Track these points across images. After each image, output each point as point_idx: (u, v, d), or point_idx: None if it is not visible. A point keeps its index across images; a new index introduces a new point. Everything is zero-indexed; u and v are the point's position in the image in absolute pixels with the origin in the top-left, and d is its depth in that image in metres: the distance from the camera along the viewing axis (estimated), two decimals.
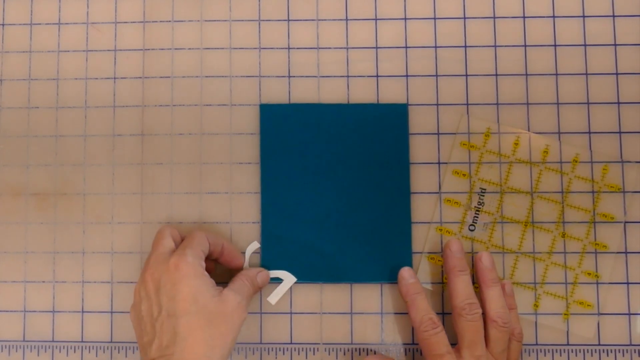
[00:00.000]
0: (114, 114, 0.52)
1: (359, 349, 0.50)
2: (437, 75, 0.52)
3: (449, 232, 0.50)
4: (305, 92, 0.52)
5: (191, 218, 0.51)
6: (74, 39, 0.53)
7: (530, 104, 0.51)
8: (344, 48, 0.52)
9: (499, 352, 0.45)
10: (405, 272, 0.48)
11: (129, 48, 0.53)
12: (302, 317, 0.50)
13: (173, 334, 0.42)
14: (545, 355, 0.49)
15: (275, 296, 0.50)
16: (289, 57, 0.52)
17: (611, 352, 0.49)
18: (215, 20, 0.53)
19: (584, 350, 0.49)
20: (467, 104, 0.51)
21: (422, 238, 0.50)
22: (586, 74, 0.51)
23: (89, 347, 0.50)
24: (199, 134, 0.52)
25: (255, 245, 0.50)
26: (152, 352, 0.42)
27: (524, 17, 0.52)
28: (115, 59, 0.53)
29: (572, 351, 0.49)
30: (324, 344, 0.50)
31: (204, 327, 0.42)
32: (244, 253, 0.50)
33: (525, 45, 0.52)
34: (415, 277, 0.48)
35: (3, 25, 0.53)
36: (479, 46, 0.52)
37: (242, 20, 0.53)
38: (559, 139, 0.51)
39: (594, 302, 0.49)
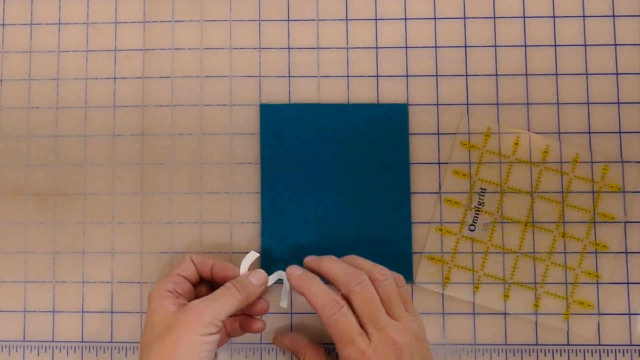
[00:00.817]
0: (114, 114, 0.52)
1: None
2: (437, 75, 0.52)
3: (449, 232, 0.50)
4: (305, 92, 0.52)
5: (191, 218, 0.51)
6: (74, 39, 0.53)
7: (530, 104, 0.51)
8: (344, 48, 0.52)
9: (396, 307, 0.42)
10: (290, 269, 0.45)
11: (129, 48, 0.53)
12: (302, 317, 0.50)
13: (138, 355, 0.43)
14: (545, 355, 0.49)
15: (284, 299, 0.48)
16: (289, 57, 0.52)
17: (611, 352, 0.49)
18: (215, 20, 0.53)
19: (584, 350, 0.49)
20: (467, 104, 0.51)
21: (422, 238, 0.50)
22: (586, 74, 0.51)
23: (89, 347, 0.50)
24: (199, 134, 0.52)
25: (253, 255, 0.47)
26: None
27: (524, 17, 0.52)
28: (115, 59, 0.53)
29: (572, 351, 0.49)
30: (324, 344, 0.50)
31: (150, 344, 0.41)
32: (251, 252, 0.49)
33: (525, 45, 0.52)
34: (303, 269, 0.45)
35: (3, 25, 0.53)
36: (479, 46, 0.52)
37: (242, 20, 0.53)
38: (559, 139, 0.51)
39: (594, 302, 0.49)
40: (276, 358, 0.50)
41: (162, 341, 0.41)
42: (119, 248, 0.51)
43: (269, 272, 0.50)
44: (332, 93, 0.52)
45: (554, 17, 0.52)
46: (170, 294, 0.44)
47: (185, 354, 0.40)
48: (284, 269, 0.50)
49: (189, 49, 0.52)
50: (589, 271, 0.50)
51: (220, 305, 0.42)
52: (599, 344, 0.49)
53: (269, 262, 0.50)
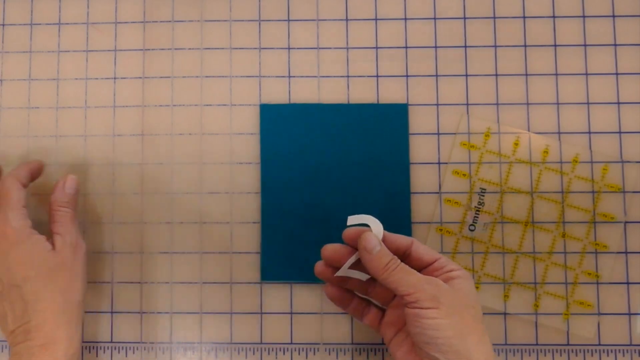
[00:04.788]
0: (114, 114, 0.52)
1: (359, 349, 0.50)
2: (437, 75, 0.52)
3: (449, 232, 0.50)
4: (305, 92, 0.52)
5: (191, 218, 0.51)
6: (74, 39, 0.53)
7: (530, 104, 0.51)
8: (344, 48, 0.52)
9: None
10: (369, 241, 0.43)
11: (129, 48, 0.53)
12: (302, 317, 0.50)
13: (23, 302, 0.42)
14: (545, 355, 0.49)
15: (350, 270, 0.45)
16: (289, 57, 0.52)
17: (611, 352, 0.49)
18: (215, 20, 0.53)
19: (584, 350, 0.49)
20: (467, 104, 0.51)
21: (422, 238, 0.50)
22: (586, 74, 0.51)
23: (89, 347, 0.50)
24: (199, 134, 0.52)
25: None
26: (10, 325, 0.42)
27: (524, 17, 0.52)
28: (115, 59, 0.53)
29: (572, 351, 0.49)
30: (324, 344, 0.50)
31: (48, 285, 0.42)
32: None
33: (525, 45, 0.52)
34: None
35: (3, 25, 0.53)
36: (479, 46, 0.52)
37: (242, 21, 0.53)
38: (559, 139, 0.51)
39: (594, 302, 0.49)
40: (276, 358, 0.50)
41: (61, 280, 0.43)
42: (119, 248, 0.51)
43: (268, 276, 0.50)
44: (332, 93, 0.52)
45: (554, 17, 0.52)
46: (33, 232, 0.45)
47: (83, 284, 0.45)
48: (283, 269, 0.50)
49: (189, 49, 0.52)
50: (589, 271, 0.50)
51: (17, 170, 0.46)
52: (599, 344, 0.49)
53: (268, 262, 0.50)
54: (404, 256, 0.44)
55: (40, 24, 0.53)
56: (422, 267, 0.44)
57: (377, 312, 0.46)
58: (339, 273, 0.44)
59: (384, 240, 0.44)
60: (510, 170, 0.51)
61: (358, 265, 0.44)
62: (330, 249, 0.45)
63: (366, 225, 0.44)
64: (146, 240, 0.51)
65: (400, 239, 0.44)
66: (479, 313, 0.42)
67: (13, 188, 0.45)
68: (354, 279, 0.45)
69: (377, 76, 0.52)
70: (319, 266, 0.45)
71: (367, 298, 0.47)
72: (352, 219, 0.44)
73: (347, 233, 0.44)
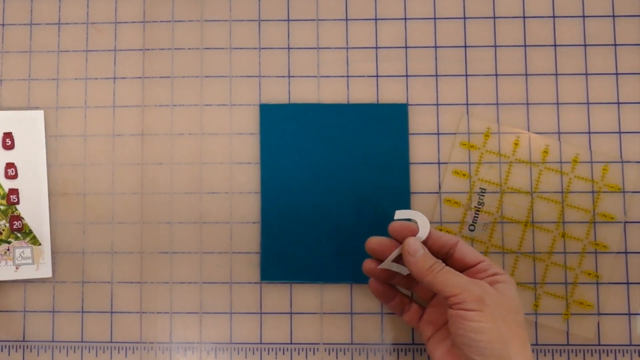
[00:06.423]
0: (114, 114, 0.52)
1: (359, 349, 0.50)
2: (437, 75, 0.52)
3: (448, 232, 0.50)
4: (305, 92, 0.52)
5: (191, 218, 0.51)
6: (74, 39, 0.53)
7: (530, 104, 0.51)
8: (344, 48, 0.52)
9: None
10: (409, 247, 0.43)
11: (129, 48, 0.53)
12: (302, 317, 0.50)
13: None
14: (545, 355, 0.49)
15: (394, 264, 0.45)
16: (289, 57, 0.52)
17: (611, 352, 0.49)
18: (215, 20, 0.53)
19: (584, 350, 0.49)
20: (467, 104, 0.51)
21: None
22: (586, 74, 0.51)
23: (89, 347, 0.50)
24: (199, 134, 0.52)
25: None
26: None
27: (524, 17, 0.52)
28: (115, 59, 0.53)
29: (572, 351, 0.49)
30: (324, 344, 0.50)
31: None
32: None
33: (525, 45, 0.52)
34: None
35: (3, 25, 0.53)
36: (479, 46, 0.52)
37: (242, 20, 0.53)
38: (559, 139, 0.51)
39: (594, 302, 0.49)
40: (276, 358, 0.50)
41: None
42: (119, 248, 0.51)
43: (268, 275, 0.50)
44: (332, 93, 0.52)
45: (554, 17, 0.52)
46: None
47: None
48: (283, 269, 0.50)
49: (189, 49, 0.52)
50: (588, 271, 0.50)
51: None
52: (599, 344, 0.49)
53: (268, 262, 0.50)
54: (447, 256, 0.44)
55: (40, 23, 0.53)
56: (464, 269, 0.44)
57: (417, 309, 0.47)
58: (382, 265, 0.45)
59: (429, 237, 0.44)
60: (510, 170, 0.50)
61: (401, 259, 0.44)
62: (375, 242, 0.45)
63: (411, 219, 0.44)
64: (146, 240, 0.51)
65: (445, 237, 0.44)
66: (521, 319, 0.42)
67: None
68: (399, 274, 0.46)
69: (377, 76, 0.52)
70: (367, 263, 0.46)
71: (409, 296, 0.47)
72: (399, 214, 0.44)
73: (392, 227, 0.45)
